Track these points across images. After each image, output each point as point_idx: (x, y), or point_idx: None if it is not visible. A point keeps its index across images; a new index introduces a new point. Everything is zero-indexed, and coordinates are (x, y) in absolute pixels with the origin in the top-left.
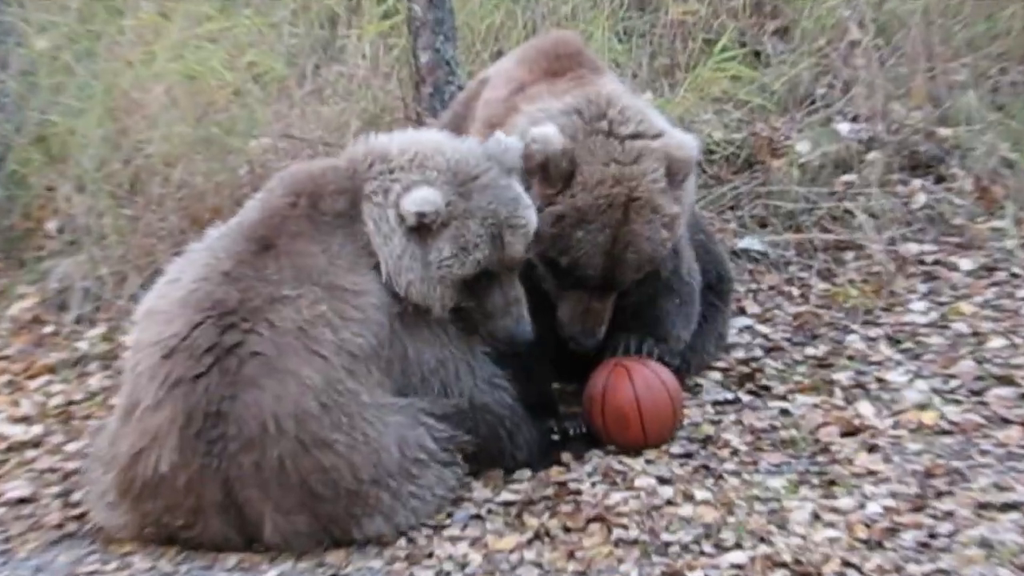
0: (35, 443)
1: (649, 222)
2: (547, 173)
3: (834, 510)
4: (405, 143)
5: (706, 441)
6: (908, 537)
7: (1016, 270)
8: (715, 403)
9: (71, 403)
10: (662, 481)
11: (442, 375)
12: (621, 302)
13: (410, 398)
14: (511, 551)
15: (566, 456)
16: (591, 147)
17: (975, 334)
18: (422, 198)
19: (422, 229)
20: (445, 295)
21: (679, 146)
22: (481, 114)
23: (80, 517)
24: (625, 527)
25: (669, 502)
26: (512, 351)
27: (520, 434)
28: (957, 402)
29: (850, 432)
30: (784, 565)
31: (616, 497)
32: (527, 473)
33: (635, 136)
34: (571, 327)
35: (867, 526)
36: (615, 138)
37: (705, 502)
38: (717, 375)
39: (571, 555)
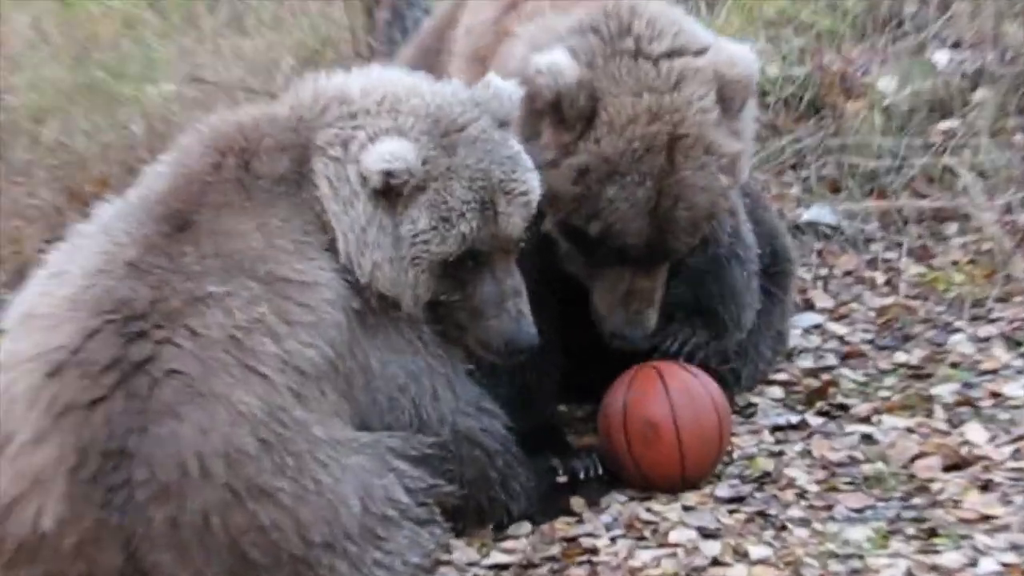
0: None
1: (702, 166)
2: (561, 114)
3: (936, 568)
4: (370, 83)
5: (763, 480)
6: None
7: None
8: (774, 428)
9: None
10: (705, 535)
11: (414, 394)
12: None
13: (376, 433)
14: None
15: (577, 503)
16: (615, 73)
17: None
18: (391, 152)
19: (391, 193)
20: (420, 283)
21: (731, 62)
22: (462, 46)
23: None
24: None
25: (716, 562)
26: (509, 361)
27: (516, 477)
28: None
29: (956, 465)
30: None
31: (644, 557)
32: (526, 527)
33: (672, 54)
34: (613, 319)
35: None
36: (646, 59)
37: (763, 561)
38: (776, 391)
39: None
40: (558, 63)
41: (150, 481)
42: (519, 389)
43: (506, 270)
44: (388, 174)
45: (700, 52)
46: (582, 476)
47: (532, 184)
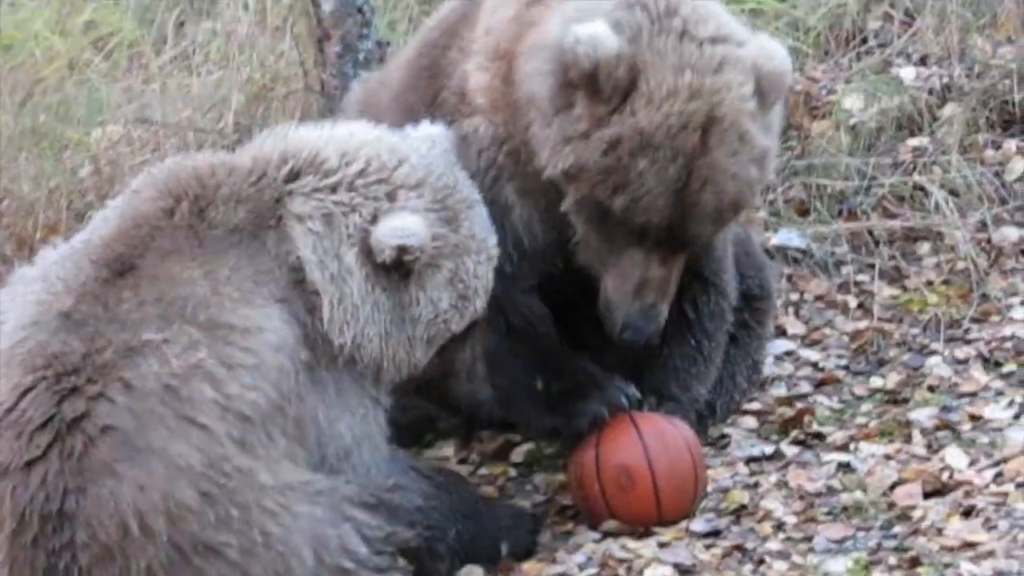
0: None
1: (735, 153)
2: (597, 85)
3: None
4: (347, 147)
5: (739, 512)
6: None
7: None
8: (749, 460)
9: None
10: (682, 571)
11: (355, 461)
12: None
13: (332, 479)
14: None
15: (549, 541)
16: (660, 49)
17: None
18: (403, 227)
19: (396, 271)
20: (422, 357)
21: (770, 55)
22: (482, 44)
23: None
24: None
25: None
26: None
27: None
28: None
29: (936, 491)
30: None
31: None
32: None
33: (717, 40)
34: (626, 308)
35: None
36: (691, 40)
37: None
38: (750, 421)
39: None
40: (598, 34)
41: (92, 543)
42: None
43: (480, 335)
44: (403, 250)
45: (742, 43)
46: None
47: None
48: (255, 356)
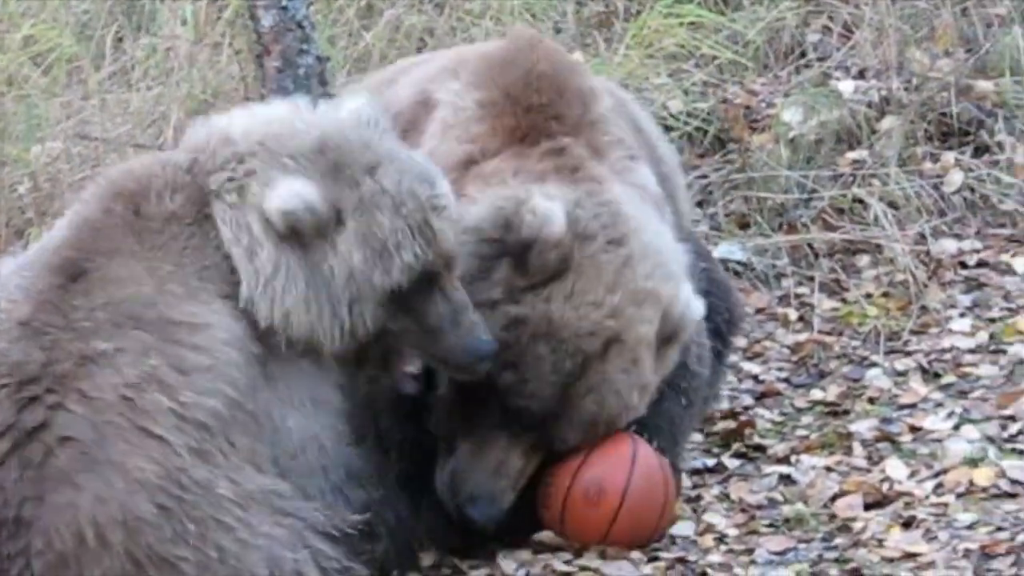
0: None
1: (626, 372)
2: (526, 258)
3: None
4: (252, 122)
5: (681, 525)
6: None
7: None
8: (691, 472)
9: None
10: None
11: (295, 465)
12: None
13: (299, 502)
14: None
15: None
16: (599, 261)
17: None
18: (288, 192)
19: (299, 235)
20: (361, 319)
21: (687, 306)
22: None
23: None
24: None
25: None
26: (476, 374)
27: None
28: (1020, 453)
29: (877, 502)
30: None
31: None
32: None
33: (651, 276)
34: (474, 482)
35: None
36: (630, 268)
37: None
38: (693, 434)
39: None
40: (553, 212)
41: (47, 551)
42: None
43: (453, 285)
44: (290, 214)
45: (667, 281)
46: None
47: (448, 190)
48: (208, 355)
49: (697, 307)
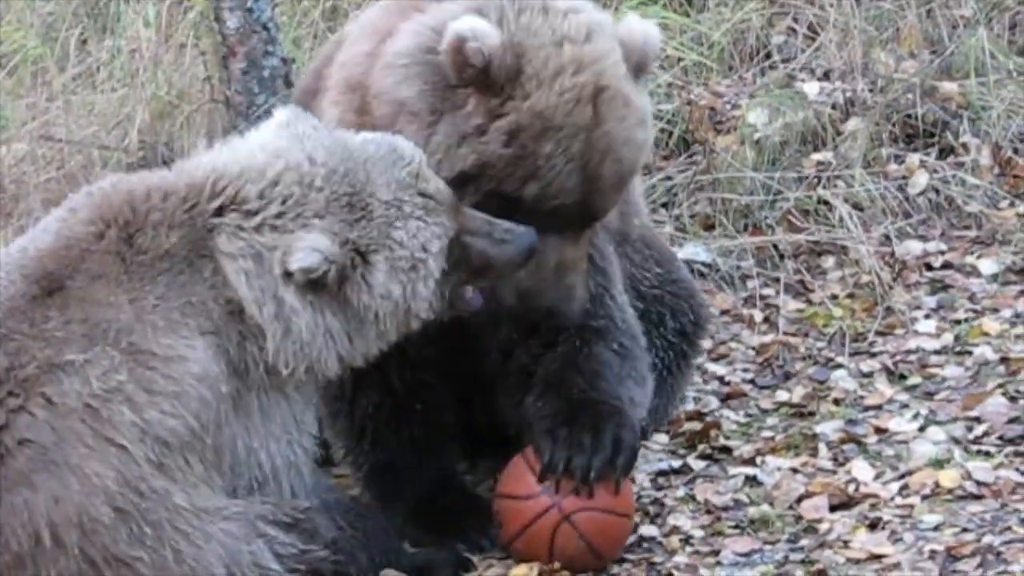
0: None
1: (623, 119)
2: (489, 78)
3: None
4: (261, 175)
5: (647, 526)
6: None
7: None
8: (657, 474)
9: None
10: None
11: (274, 487)
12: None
13: (247, 500)
14: None
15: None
16: (531, 28)
17: (1004, 360)
18: (300, 251)
19: (324, 287)
20: (406, 327)
21: (629, 30)
22: (335, 80)
23: None
24: None
25: None
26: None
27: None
28: (986, 455)
29: (843, 504)
30: None
31: None
32: None
33: (574, 10)
34: (548, 293)
35: None
36: (555, 13)
37: None
38: (658, 435)
39: None
40: (480, 27)
41: (3, 551)
42: (413, 444)
43: (467, 216)
44: (308, 272)
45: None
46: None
47: (410, 145)
48: (176, 384)
49: (652, 30)
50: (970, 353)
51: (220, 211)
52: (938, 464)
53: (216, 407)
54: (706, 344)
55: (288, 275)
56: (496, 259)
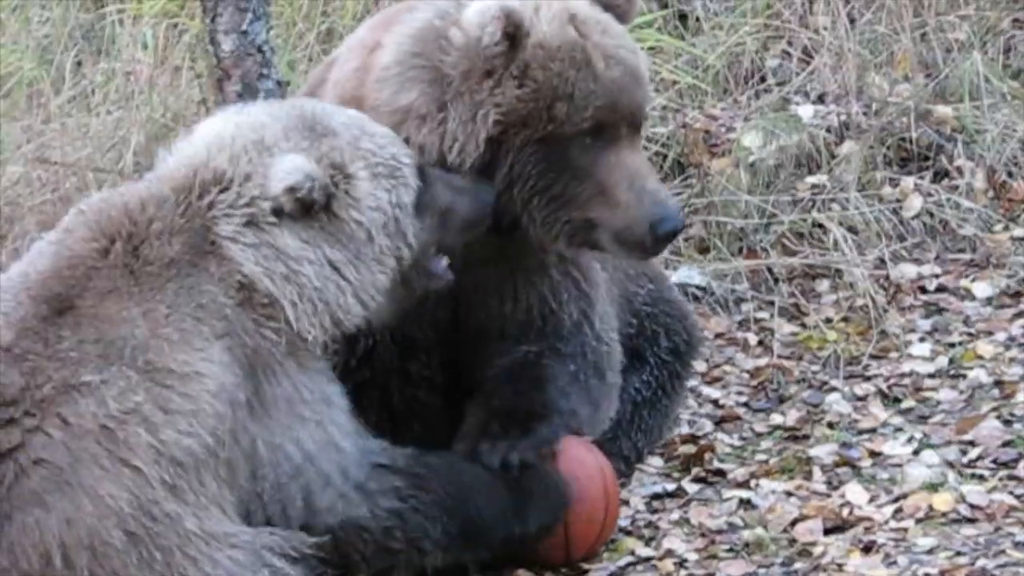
0: None
1: (604, 32)
2: (523, 63)
3: None
4: (233, 149)
5: (641, 550)
6: None
7: None
8: (651, 497)
9: None
10: None
11: (304, 481)
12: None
13: (257, 529)
14: None
15: None
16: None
17: (998, 384)
18: (279, 171)
19: (312, 212)
20: (415, 239)
21: None
22: (329, 98)
23: None
24: None
25: None
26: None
27: (425, 535)
28: (979, 478)
29: (837, 527)
30: None
31: None
32: None
33: None
34: (643, 208)
35: None
36: None
37: None
38: (653, 459)
39: None
40: (490, 10)
41: (13, 569)
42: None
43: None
44: (293, 190)
45: None
46: None
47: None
48: (192, 402)
49: None
50: (964, 376)
51: (211, 205)
52: (932, 487)
53: (232, 418)
54: (699, 366)
55: (279, 214)
56: (455, 207)
